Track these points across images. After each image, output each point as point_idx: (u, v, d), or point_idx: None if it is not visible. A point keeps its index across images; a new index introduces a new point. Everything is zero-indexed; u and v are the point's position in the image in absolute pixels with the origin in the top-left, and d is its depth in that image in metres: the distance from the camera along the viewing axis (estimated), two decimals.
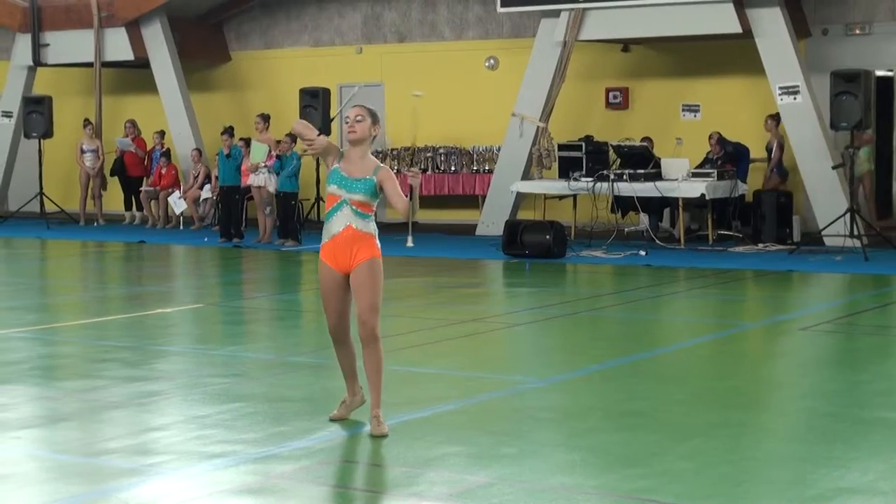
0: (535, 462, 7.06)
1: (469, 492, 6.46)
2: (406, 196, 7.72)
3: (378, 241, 7.81)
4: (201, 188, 22.90)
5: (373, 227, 7.76)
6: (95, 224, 23.80)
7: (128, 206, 24.22)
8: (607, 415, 8.22)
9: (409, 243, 8.42)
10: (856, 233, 17.30)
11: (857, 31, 19.88)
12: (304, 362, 10.20)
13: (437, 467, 6.92)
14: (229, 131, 20.76)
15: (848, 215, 17.43)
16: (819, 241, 18.16)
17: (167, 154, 23.57)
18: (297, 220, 19.93)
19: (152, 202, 23.64)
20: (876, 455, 7.10)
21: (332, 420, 7.90)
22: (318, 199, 21.69)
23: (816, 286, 15.33)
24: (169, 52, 23.96)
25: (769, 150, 19.52)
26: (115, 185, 24.41)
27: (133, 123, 24.23)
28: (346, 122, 7.72)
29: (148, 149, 24.13)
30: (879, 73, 20.32)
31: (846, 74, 17.75)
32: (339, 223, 7.68)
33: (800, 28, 19.49)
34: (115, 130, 24.58)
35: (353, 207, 7.66)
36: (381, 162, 22.90)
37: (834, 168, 18.22)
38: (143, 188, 23.78)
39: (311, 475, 6.81)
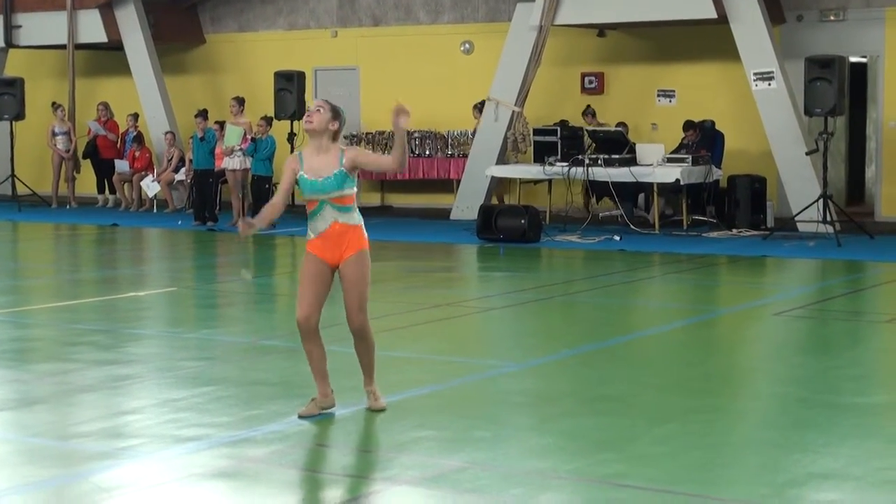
0: (508, 446, 7.06)
1: (442, 476, 6.46)
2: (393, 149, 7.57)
3: (365, 231, 7.79)
4: (175, 171, 22.81)
5: (358, 217, 7.74)
6: (68, 207, 23.68)
7: (100, 189, 24.10)
8: (581, 399, 8.23)
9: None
10: (829, 219, 17.36)
11: (832, 18, 19.92)
12: (278, 346, 10.17)
13: (411, 451, 6.92)
14: (203, 114, 20.67)
15: (821, 201, 17.49)
16: (792, 227, 18.22)
17: (139, 138, 23.46)
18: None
19: (125, 185, 23.53)
20: (847, 440, 7.13)
21: (301, 417, 7.61)
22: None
23: (790, 271, 15.38)
24: (143, 35, 23.82)
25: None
26: (87, 167, 24.28)
27: (105, 106, 24.10)
28: (306, 112, 7.72)
29: (121, 132, 24.00)
30: (853, 59, 20.38)
31: (820, 60, 17.79)
32: (323, 222, 7.66)
33: (774, 14, 19.52)
34: (88, 113, 24.44)
35: (334, 204, 7.63)
36: (359, 146, 22.88)
37: (807, 154, 18.27)
38: (117, 171, 23.65)
39: (283, 459, 6.80)
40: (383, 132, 22.60)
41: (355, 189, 7.71)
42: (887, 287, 13.86)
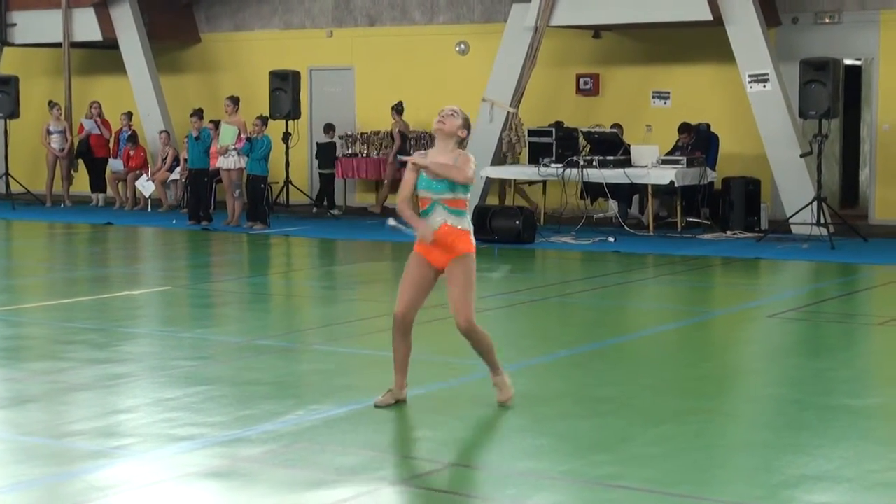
0: (502, 447, 7.07)
1: (435, 476, 6.46)
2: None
3: (473, 238, 7.96)
4: (170, 171, 22.80)
5: (467, 224, 7.92)
6: (62, 206, 23.65)
7: (94, 188, 24.06)
8: (575, 400, 8.23)
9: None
10: (822, 221, 17.38)
11: (827, 20, 19.95)
12: (272, 345, 10.17)
13: (405, 452, 6.92)
14: (198, 113, 20.66)
15: (815, 203, 17.51)
16: (786, 229, 18.23)
17: (134, 137, 23.44)
18: (265, 203, 19.87)
19: (120, 184, 23.51)
20: (841, 442, 7.14)
21: (378, 406, 7.84)
22: (287, 182, 21.62)
23: (783, 274, 15.40)
24: (138, 34, 23.81)
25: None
26: (80, 166, 24.24)
27: (98, 105, 24.07)
28: (439, 114, 7.94)
29: (114, 130, 23.98)
30: (848, 61, 20.41)
31: (815, 63, 17.81)
32: (434, 222, 7.85)
33: (770, 16, 19.54)
34: (83, 112, 24.40)
35: (445, 206, 7.84)
36: (354, 147, 22.87)
37: (802, 156, 18.29)
38: (111, 170, 23.62)
39: (277, 459, 6.79)
40: (378, 132, 22.60)
41: (468, 195, 7.91)
42: (881, 290, 13.87)
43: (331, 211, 21.74)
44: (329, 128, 22.18)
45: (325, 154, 21.99)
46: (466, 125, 8.01)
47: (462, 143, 7.98)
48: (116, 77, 24.72)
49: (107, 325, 11.14)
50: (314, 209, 21.80)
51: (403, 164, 22.66)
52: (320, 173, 22.02)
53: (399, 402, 7.94)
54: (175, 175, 22.67)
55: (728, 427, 7.71)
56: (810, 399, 8.33)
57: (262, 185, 19.70)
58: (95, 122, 23.89)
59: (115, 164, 23.59)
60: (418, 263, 7.93)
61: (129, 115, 23.71)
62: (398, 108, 21.89)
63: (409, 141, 22.00)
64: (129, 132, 23.49)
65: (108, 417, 7.74)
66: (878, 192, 19.92)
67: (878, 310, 12.69)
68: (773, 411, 8.20)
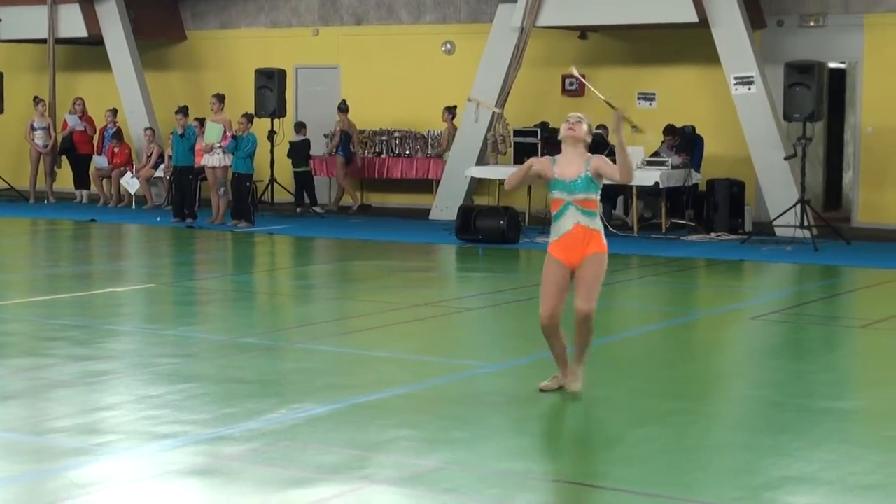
0: (485, 447, 7.07)
1: (419, 476, 6.46)
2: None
3: (604, 238, 8.25)
4: (155, 168, 22.76)
5: (599, 224, 8.25)
6: (45, 202, 23.59)
7: (78, 185, 24.00)
8: (558, 401, 8.24)
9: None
10: (806, 224, 17.43)
11: (812, 23, 20.00)
12: (256, 344, 10.16)
13: (388, 451, 6.92)
14: (184, 111, 20.62)
15: (799, 206, 17.55)
16: (770, 232, 18.28)
17: (118, 133, 23.38)
18: (250, 201, 19.85)
19: (104, 181, 23.46)
20: (822, 445, 7.17)
21: (542, 390, 8.21)
22: (272, 180, 21.60)
23: (767, 276, 15.44)
24: (123, 30, 23.75)
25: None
26: (64, 162, 24.18)
27: (82, 101, 24.00)
28: (566, 122, 8.28)
29: (99, 127, 23.92)
30: (832, 64, 20.47)
31: (800, 66, 17.86)
32: (567, 223, 8.19)
33: (755, 19, 19.58)
34: (68, 108, 24.33)
35: (578, 206, 8.15)
36: (340, 146, 22.84)
37: (786, 159, 18.34)
38: (96, 167, 23.57)
39: (260, 457, 6.79)
40: (364, 131, 22.58)
41: (598, 194, 8.23)
42: (863, 292, 13.92)
43: (313, 208, 21.71)
44: (300, 126, 22.11)
45: (299, 152, 21.89)
46: (591, 130, 8.40)
47: (587, 146, 8.37)
48: (101, 74, 24.67)
49: (90, 321, 11.12)
50: (297, 209, 21.78)
51: (349, 161, 22.51)
52: (295, 172, 21.94)
53: (562, 389, 8.28)
54: (159, 173, 22.63)
55: (710, 428, 7.72)
56: (792, 401, 8.36)
57: (248, 184, 19.68)
58: (79, 118, 23.82)
59: (99, 161, 23.53)
60: (556, 267, 8.19)
61: (114, 111, 23.65)
62: (342, 107, 21.84)
63: (353, 140, 21.96)
64: (114, 129, 23.43)
65: (90, 414, 7.72)
66: (861, 195, 19.99)
67: (860, 312, 12.73)
68: (756, 413, 8.23)
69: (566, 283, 8.22)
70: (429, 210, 21.21)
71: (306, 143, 21.97)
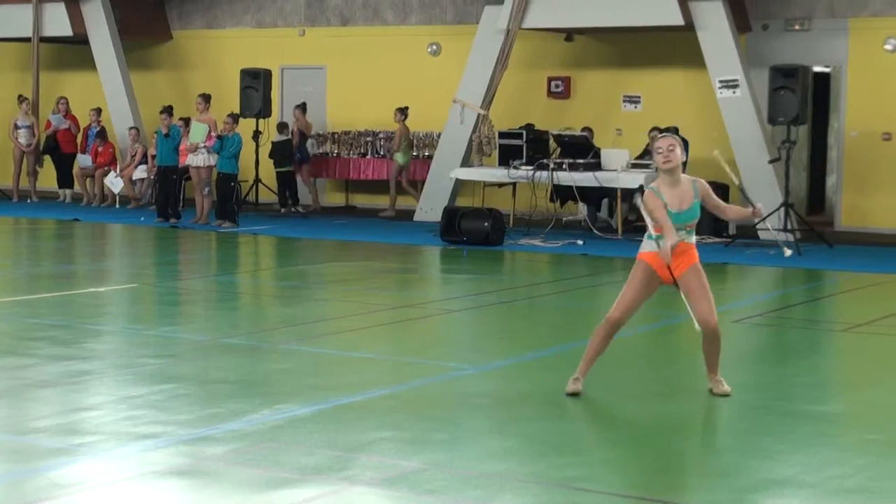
0: (467, 448, 7.07)
1: (401, 477, 6.46)
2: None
3: (696, 247, 8.35)
4: (136, 168, 22.71)
5: (695, 237, 8.38)
6: (29, 201, 23.52)
7: (62, 184, 23.93)
8: (542, 403, 8.24)
9: (787, 252, 9.67)
10: (790, 227, 17.47)
11: (797, 27, 20.06)
12: (239, 344, 10.14)
13: (370, 452, 6.91)
14: (168, 110, 20.59)
15: (782, 210, 17.59)
16: (754, 235, 18.32)
17: (102, 133, 23.33)
18: (235, 201, 19.82)
19: (88, 180, 23.40)
20: (803, 448, 7.18)
21: (570, 394, 8.22)
22: (257, 180, 21.57)
23: (750, 279, 15.47)
24: (109, 29, 23.71)
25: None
26: (48, 161, 24.13)
27: (65, 100, 23.94)
28: (659, 152, 8.15)
29: (85, 126, 23.86)
30: (817, 68, 20.53)
31: (784, 70, 17.91)
32: (673, 241, 8.15)
33: (741, 22, 19.63)
34: (52, 107, 24.27)
35: (686, 229, 8.24)
36: (324, 146, 22.87)
37: (770, 162, 18.38)
38: (79, 166, 23.52)
39: (242, 458, 6.78)
40: (349, 132, 22.59)
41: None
42: (845, 296, 13.96)
43: (296, 208, 21.69)
44: (283, 126, 22.09)
45: (282, 152, 21.87)
46: (685, 149, 8.42)
47: (684, 166, 8.48)
48: (86, 73, 24.61)
49: (72, 321, 11.09)
50: (281, 209, 21.76)
51: (305, 160, 22.46)
52: (277, 172, 21.93)
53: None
54: (142, 173, 22.57)
55: (692, 431, 7.74)
56: (774, 404, 8.37)
57: (232, 184, 19.65)
58: (63, 117, 23.76)
59: (83, 160, 23.48)
60: (646, 274, 8.27)
61: (98, 111, 23.60)
62: (302, 108, 21.88)
63: (310, 140, 21.97)
64: (98, 128, 23.38)
65: (71, 414, 7.70)
66: (844, 199, 20.04)
67: (842, 316, 12.77)
68: (738, 416, 8.24)
69: (649, 292, 8.40)
70: (413, 211, 21.21)
71: (289, 144, 21.95)
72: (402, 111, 21.44)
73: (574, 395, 8.25)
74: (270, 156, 21.74)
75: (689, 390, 9.10)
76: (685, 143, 19.75)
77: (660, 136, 8.30)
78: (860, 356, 10.45)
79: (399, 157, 21.48)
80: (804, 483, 6.49)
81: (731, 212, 8.69)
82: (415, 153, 22.09)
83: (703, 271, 8.31)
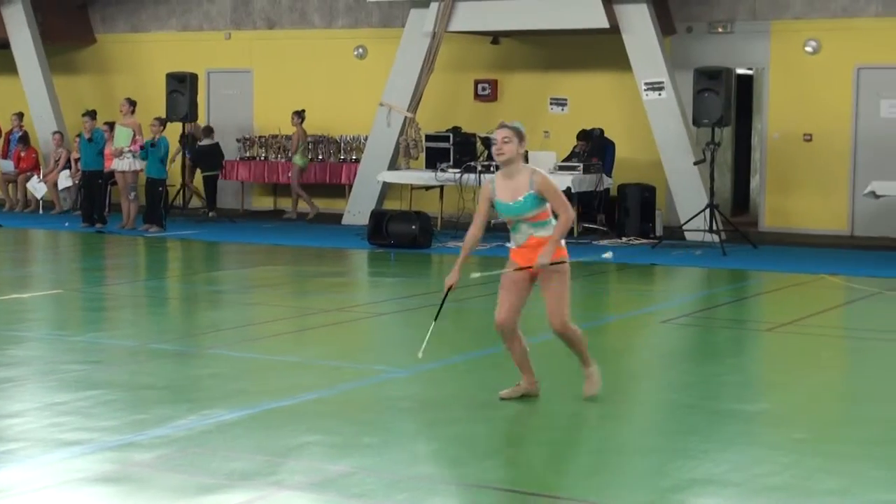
0: (396, 452, 7.07)
1: (330, 481, 6.45)
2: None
3: (563, 241, 8.09)
4: (61, 171, 22.48)
5: (552, 229, 8.07)
6: None
7: None
8: (468, 405, 8.26)
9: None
10: (715, 228, 17.65)
11: (720, 30, 20.27)
12: (167, 350, 10.07)
13: (298, 456, 6.90)
14: (91, 114, 20.37)
15: (708, 211, 17.77)
16: (680, 236, 18.48)
17: (25, 137, 23.06)
18: (163, 206, 19.68)
19: (10, 185, 23.12)
20: (729, 447, 7.25)
21: (503, 398, 8.17)
22: (184, 185, 21.44)
23: (677, 280, 15.60)
24: (30, 33, 23.44)
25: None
26: None
27: None
28: (494, 144, 7.99)
29: (7, 131, 23.57)
30: (740, 70, 20.75)
31: (709, 72, 18.09)
32: (521, 237, 8.11)
33: (665, 25, 19.79)
34: None
35: (529, 222, 8.04)
36: (252, 149, 22.71)
37: (695, 164, 18.55)
38: (3, 171, 23.23)
39: (170, 464, 6.73)
40: (276, 135, 22.51)
41: (548, 206, 8.04)
42: (769, 296, 14.13)
43: (208, 211, 21.55)
44: (209, 131, 21.98)
45: (210, 156, 21.74)
46: (521, 137, 8.06)
47: (525, 157, 8.18)
48: (8, 77, 24.33)
49: None
50: (210, 213, 21.63)
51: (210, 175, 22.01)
52: (205, 176, 21.82)
53: (527, 397, 8.28)
54: (66, 179, 22.32)
55: (619, 431, 7.79)
56: (700, 404, 8.45)
57: (161, 189, 19.51)
58: None
59: (5, 165, 23.19)
60: (514, 271, 8.10)
61: (20, 115, 23.34)
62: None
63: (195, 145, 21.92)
64: (20, 133, 23.11)
65: None
66: (767, 199, 20.27)
67: (766, 316, 12.92)
68: (665, 416, 8.31)
69: (524, 289, 8.19)
70: (341, 215, 21.18)
71: (216, 148, 21.84)
72: (299, 114, 21.55)
73: (508, 399, 8.27)
74: (195, 160, 21.61)
75: (616, 391, 9.16)
76: (611, 145, 19.94)
77: (497, 128, 8.09)
78: (784, 355, 10.58)
79: (298, 160, 21.57)
80: (729, 482, 6.56)
81: (570, 213, 8.05)
82: (342, 156, 22.08)
83: (566, 270, 8.14)
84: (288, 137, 22.19)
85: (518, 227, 8.12)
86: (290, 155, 21.83)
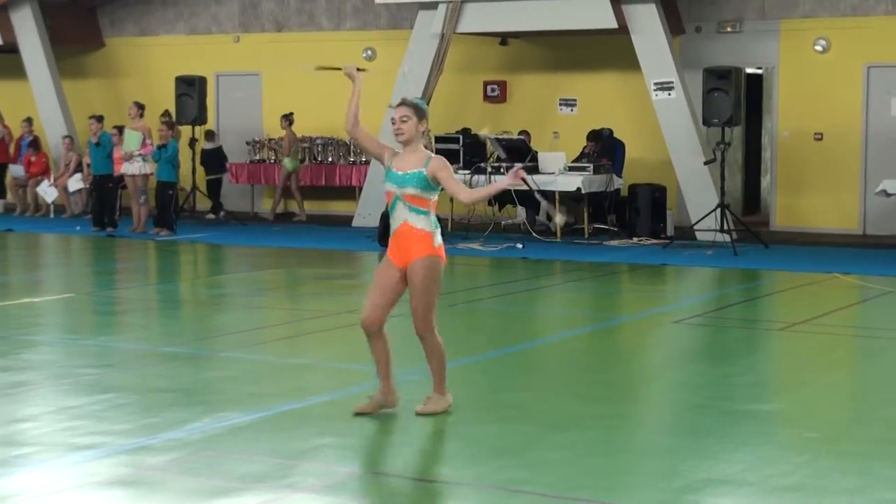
0: (408, 453, 7.07)
1: (342, 483, 6.45)
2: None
3: (437, 238, 7.75)
4: (72, 176, 22.51)
5: (429, 223, 7.72)
6: None
7: None
8: (481, 406, 8.26)
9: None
10: (726, 228, 17.62)
11: (729, 29, 20.24)
12: (179, 353, 10.07)
13: (311, 459, 6.90)
14: (97, 118, 20.38)
15: (719, 210, 17.74)
16: (691, 236, 18.46)
17: (35, 142, 23.10)
18: (173, 209, 19.70)
19: (21, 190, 23.16)
20: (743, 447, 7.24)
21: (358, 413, 7.76)
22: (194, 188, 21.46)
23: (688, 280, 15.58)
24: (39, 37, 23.47)
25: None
26: None
27: None
28: (393, 123, 7.77)
29: (18, 136, 23.60)
30: (749, 70, 20.73)
31: (718, 71, 18.07)
32: (396, 219, 7.74)
33: (674, 25, 19.78)
34: None
35: (406, 203, 7.67)
36: (262, 151, 22.73)
37: (705, 163, 18.53)
38: (12, 175, 23.27)
39: (183, 467, 6.74)
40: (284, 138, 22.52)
41: (435, 198, 7.75)
42: (781, 295, 14.10)
43: (215, 214, 21.59)
44: (211, 134, 22.05)
45: (214, 159, 21.83)
46: (421, 115, 7.78)
47: (425, 134, 7.90)
48: (17, 82, 24.35)
49: (7, 332, 10.96)
50: (221, 214, 21.64)
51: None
52: (208, 179, 21.89)
53: (385, 409, 7.83)
54: (77, 182, 22.34)
55: (632, 432, 7.78)
56: (713, 404, 8.43)
57: (171, 192, 19.53)
58: None
59: (16, 170, 23.23)
60: (384, 264, 7.83)
61: (30, 120, 23.37)
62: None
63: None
64: (31, 138, 23.14)
65: (8, 426, 7.61)
66: (778, 199, 20.24)
67: (778, 315, 12.89)
68: (677, 416, 8.30)
69: (395, 283, 7.77)
70: (352, 217, 21.18)
71: (219, 151, 21.95)
72: (287, 117, 21.65)
73: (363, 413, 7.75)
74: (202, 163, 21.70)
75: (628, 392, 9.15)
76: (621, 146, 19.92)
77: (396, 105, 7.85)
78: (797, 355, 10.56)
79: (287, 163, 21.64)
80: (743, 482, 6.54)
81: (465, 194, 7.74)
82: (352, 159, 22.09)
83: (437, 268, 7.71)
84: (298, 139, 22.21)
85: (395, 205, 7.70)
86: (280, 158, 21.93)
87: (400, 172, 7.71)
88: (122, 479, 6.51)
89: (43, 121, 23.62)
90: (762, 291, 14.52)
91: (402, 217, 7.72)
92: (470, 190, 7.85)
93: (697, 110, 18.59)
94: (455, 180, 7.75)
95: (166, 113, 20.58)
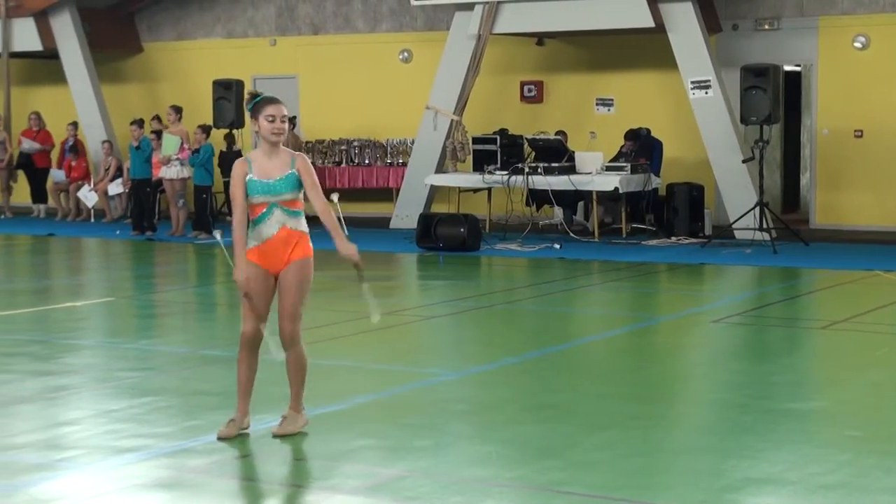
0: (449, 454, 7.07)
1: (384, 485, 6.45)
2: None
3: (309, 240, 7.57)
4: (112, 181, 22.64)
5: (304, 225, 7.46)
6: (2, 217, 23.42)
7: (36, 199, 23.84)
8: (522, 407, 8.25)
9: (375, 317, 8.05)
10: (765, 226, 17.54)
11: (766, 27, 20.15)
12: (218, 356, 10.11)
13: (352, 460, 6.91)
14: (138, 123, 20.51)
15: (757, 209, 17.66)
16: (730, 235, 18.38)
17: (75, 147, 23.24)
18: (210, 212, 19.79)
19: (62, 195, 23.32)
20: (784, 446, 7.20)
21: (220, 439, 7.26)
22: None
23: (727, 279, 15.51)
24: (79, 43, 23.63)
25: None
26: (21, 177, 24.03)
27: (38, 116, 23.84)
28: (271, 121, 7.30)
29: (62, 140, 23.75)
30: (787, 67, 20.62)
31: (755, 69, 17.97)
32: (271, 227, 7.32)
33: (711, 23, 19.70)
34: (23, 122, 24.16)
35: (284, 208, 7.32)
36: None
37: (744, 162, 18.45)
38: (53, 180, 23.43)
39: (224, 469, 6.76)
40: (323, 140, 22.58)
41: (302, 193, 7.44)
42: (822, 294, 14.01)
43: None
44: (231, 138, 22.08)
45: (229, 164, 21.90)
46: (289, 120, 7.50)
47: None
48: (58, 87, 24.53)
49: (49, 336, 11.05)
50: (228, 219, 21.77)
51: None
52: (226, 182, 21.93)
53: (242, 433, 7.38)
54: (117, 186, 22.46)
55: (673, 432, 7.75)
56: (754, 403, 8.39)
57: (204, 196, 19.61)
58: (31, 135, 23.63)
59: (56, 175, 23.39)
60: (255, 272, 7.36)
61: (75, 124, 23.53)
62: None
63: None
64: (72, 142, 23.30)
65: (51, 430, 7.67)
66: (818, 196, 20.13)
67: (819, 313, 12.82)
68: (718, 415, 8.27)
69: (272, 290, 7.42)
70: (389, 219, 21.21)
71: (238, 155, 22.00)
72: (291, 120, 21.55)
73: (225, 439, 7.27)
74: (219, 165, 21.76)
75: (668, 391, 9.13)
76: (659, 145, 19.85)
77: (270, 102, 7.34)
78: (838, 353, 10.50)
79: None
80: (786, 481, 6.51)
81: (322, 214, 7.41)
82: (389, 160, 22.11)
83: (311, 270, 7.46)
84: (334, 142, 22.25)
85: (271, 212, 7.26)
86: None
87: (269, 180, 7.25)
88: (164, 482, 6.54)
89: (83, 126, 23.78)
90: (802, 290, 14.44)
91: (278, 223, 7.32)
92: (322, 201, 7.37)
93: (735, 108, 18.50)
94: (315, 184, 7.41)
95: (201, 126, 20.50)
